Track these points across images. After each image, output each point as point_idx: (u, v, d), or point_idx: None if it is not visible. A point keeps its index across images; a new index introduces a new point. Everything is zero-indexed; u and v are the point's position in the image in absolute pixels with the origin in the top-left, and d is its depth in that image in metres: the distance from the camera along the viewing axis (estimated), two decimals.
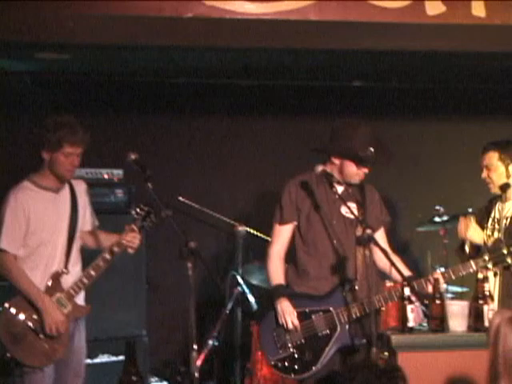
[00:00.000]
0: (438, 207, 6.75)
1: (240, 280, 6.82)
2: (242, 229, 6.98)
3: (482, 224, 6.12)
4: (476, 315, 5.13)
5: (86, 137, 5.29)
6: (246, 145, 7.56)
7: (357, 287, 5.31)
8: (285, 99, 7.30)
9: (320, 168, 5.45)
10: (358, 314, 5.18)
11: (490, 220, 6.11)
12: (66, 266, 5.34)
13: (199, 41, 5.81)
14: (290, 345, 5.26)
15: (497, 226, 6.06)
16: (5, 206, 5.27)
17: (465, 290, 6.69)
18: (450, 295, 6.17)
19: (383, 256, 5.10)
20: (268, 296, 5.59)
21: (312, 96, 6.38)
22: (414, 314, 5.21)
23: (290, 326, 5.25)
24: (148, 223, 5.33)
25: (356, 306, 5.18)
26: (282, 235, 5.51)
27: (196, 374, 4.92)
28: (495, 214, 6.09)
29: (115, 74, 7.45)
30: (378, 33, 5.58)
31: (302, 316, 5.29)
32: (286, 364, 5.27)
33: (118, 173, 7.02)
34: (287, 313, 5.27)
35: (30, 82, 7.37)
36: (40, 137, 5.27)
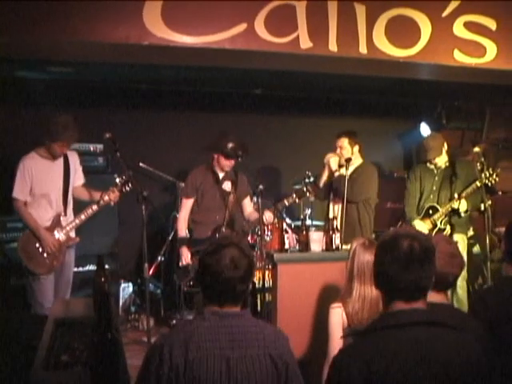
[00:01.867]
0: (307, 172, 6.91)
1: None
2: (181, 184, 7.09)
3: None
4: (328, 241, 5.44)
5: (75, 136, 5.48)
6: (180, 130, 7.75)
7: (223, 229, 5.85)
8: (209, 101, 7.39)
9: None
10: None
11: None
12: (64, 210, 5.59)
13: (153, 60, 5.85)
14: (190, 272, 5.81)
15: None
16: (17, 168, 5.46)
17: (321, 223, 6.94)
18: (313, 228, 6.32)
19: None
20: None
21: (226, 100, 6.53)
22: (288, 240, 5.50)
23: (185, 262, 5.86)
24: (126, 188, 5.59)
25: None
26: (186, 205, 6.08)
27: (146, 277, 5.26)
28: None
29: (100, 81, 7.42)
30: (269, 57, 5.64)
31: (195, 254, 5.77)
32: (191, 283, 5.84)
33: (99, 146, 7.06)
34: (184, 255, 5.88)
35: (43, 87, 7.32)
36: (46, 127, 5.43)
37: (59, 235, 5.56)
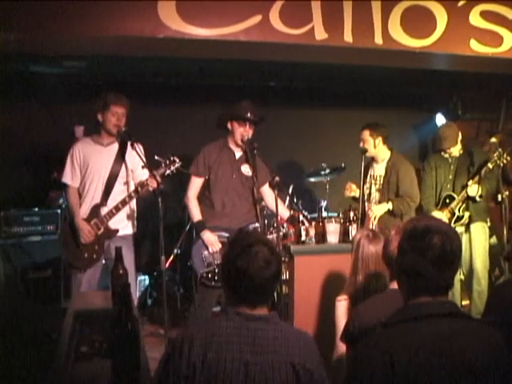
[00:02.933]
0: (323, 164, 6.90)
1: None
2: None
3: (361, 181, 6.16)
4: (344, 232, 5.44)
5: (126, 101, 5.35)
6: (195, 123, 7.71)
7: (258, 226, 5.46)
8: (223, 94, 7.37)
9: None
10: None
11: (368, 178, 6.28)
12: (104, 201, 5.35)
13: (168, 52, 5.83)
14: (213, 263, 5.38)
15: (373, 181, 6.27)
16: (68, 154, 5.38)
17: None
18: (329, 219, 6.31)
19: (273, 199, 5.42)
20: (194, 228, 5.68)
21: (241, 92, 6.51)
22: (305, 232, 5.49)
23: (214, 249, 5.39)
24: (171, 170, 5.33)
25: None
26: (196, 184, 5.57)
27: (163, 269, 5.22)
28: (372, 172, 6.28)
29: (114, 75, 7.49)
30: (283, 50, 5.65)
31: (222, 244, 5.37)
32: (210, 276, 5.36)
33: None
34: (211, 241, 5.41)
35: (58, 81, 7.34)
36: (95, 105, 5.35)
37: (96, 226, 5.35)
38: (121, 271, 3.32)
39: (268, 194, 5.72)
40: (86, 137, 5.62)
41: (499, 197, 6.36)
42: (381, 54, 5.81)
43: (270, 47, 5.55)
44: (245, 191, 5.59)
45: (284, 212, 5.70)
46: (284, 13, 5.36)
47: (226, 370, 2.54)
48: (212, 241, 5.42)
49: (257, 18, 5.32)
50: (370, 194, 6.28)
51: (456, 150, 6.45)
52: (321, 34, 5.46)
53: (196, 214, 5.57)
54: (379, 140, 6.17)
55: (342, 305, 4.01)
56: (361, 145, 6.20)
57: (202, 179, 5.59)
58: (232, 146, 5.60)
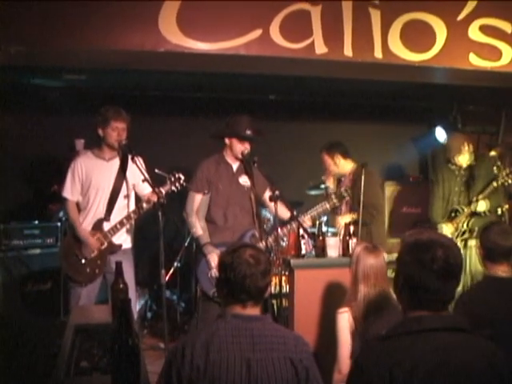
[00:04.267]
0: (323, 177, 6.87)
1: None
2: None
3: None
4: (345, 246, 5.43)
5: (126, 116, 5.31)
6: (194, 136, 7.61)
7: (256, 233, 5.47)
8: (223, 107, 7.37)
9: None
10: None
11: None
12: (108, 216, 5.33)
13: (168, 67, 5.87)
14: None
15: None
16: (69, 168, 5.35)
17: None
18: (329, 233, 6.32)
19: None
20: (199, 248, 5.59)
21: (241, 105, 6.53)
22: (305, 246, 5.46)
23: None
24: (177, 186, 5.27)
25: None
26: (195, 199, 5.51)
27: (163, 283, 5.19)
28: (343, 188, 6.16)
29: (114, 87, 7.50)
30: (284, 64, 5.69)
31: None
32: None
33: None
34: (216, 263, 5.17)
35: (59, 94, 7.40)
36: (97, 116, 5.31)
37: (100, 241, 5.31)
38: (121, 286, 3.32)
39: (270, 202, 5.59)
40: (87, 151, 5.61)
41: (499, 210, 6.36)
42: (380, 68, 5.84)
43: (270, 61, 5.59)
44: (245, 203, 5.56)
45: (285, 214, 5.60)
46: (284, 27, 5.39)
47: (229, 369, 2.64)
48: (216, 262, 5.27)
49: (257, 32, 5.35)
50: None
51: (463, 160, 6.46)
52: (321, 48, 5.49)
53: (196, 228, 5.51)
54: (338, 157, 6.16)
55: (343, 317, 4.02)
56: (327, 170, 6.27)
57: (201, 195, 5.54)
58: (229, 159, 5.58)
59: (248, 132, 5.43)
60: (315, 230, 5.56)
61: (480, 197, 6.22)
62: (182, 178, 5.28)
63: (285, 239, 5.96)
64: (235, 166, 5.60)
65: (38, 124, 7.45)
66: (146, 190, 5.33)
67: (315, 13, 5.47)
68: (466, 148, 6.45)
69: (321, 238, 5.44)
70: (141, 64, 5.81)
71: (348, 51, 5.54)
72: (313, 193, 7.30)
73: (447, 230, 6.36)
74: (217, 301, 5.26)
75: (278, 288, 5.61)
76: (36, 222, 7.02)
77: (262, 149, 5.71)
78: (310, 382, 2.73)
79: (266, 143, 6.09)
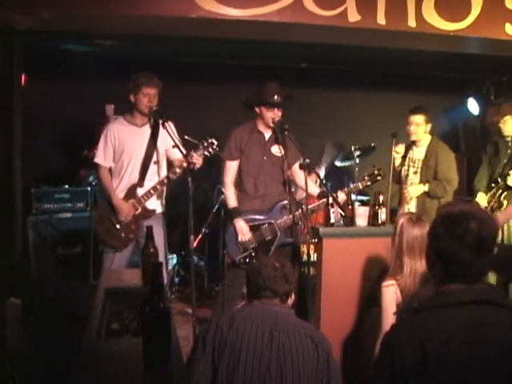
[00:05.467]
0: (352, 147, 6.88)
1: (223, 191, 7.04)
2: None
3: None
4: (373, 216, 5.40)
5: (158, 82, 5.32)
6: (226, 103, 7.53)
7: (287, 205, 5.46)
8: (255, 75, 7.32)
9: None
10: (291, 223, 5.39)
11: (407, 160, 6.34)
12: (141, 181, 5.38)
13: (199, 33, 5.81)
14: (248, 247, 5.42)
15: (411, 164, 6.32)
16: (101, 134, 5.39)
17: (367, 198, 6.91)
18: (357, 202, 6.30)
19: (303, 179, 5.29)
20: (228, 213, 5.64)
21: (272, 73, 6.47)
22: (334, 214, 5.44)
23: (246, 239, 5.41)
24: (210, 151, 5.27)
25: (289, 219, 5.38)
26: (231, 168, 5.53)
27: (192, 249, 5.21)
28: (411, 155, 6.34)
29: (146, 54, 7.45)
30: (316, 31, 5.62)
31: (253, 229, 5.43)
32: (247, 260, 5.40)
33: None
34: (243, 231, 5.40)
35: (89, 59, 7.41)
36: (127, 86, 5.33)
37: (134, 207, 5.37)
38: (151, 250, 3.34)
39: (299, 174, 5.61)
40: (118, 117, 5.62)
41: None
42: (414, 37, 5.74)
43: (302, 28, 5.51)
44: (276, 172, 5.52)
45: (314, 190, 5.64)
46: None
47: (251, 333, 2.80)
48: (243, 230, 5.43)
49: None
50: (407, 175, 6.36)
51: (508, 131, 6.39)
52: (354, 16, 5.42)
53: (232, 200, 5.54)
54: (429, 125, 6.28)
55: (390, 290, 3.96)
56: (412, 129, 6.24)
57: (237, 162, 5.53)
58: (261, 127, 5.53)
59: (276, 98, 5.38)
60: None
61: (510, 171, 6.16)
62: (215, 142, 5.28)
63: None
64: (267, 135, 5.55)
65: (69, 89, 7.46)
66: (177, 155, 5.27)
67: None
68: (510, 117, 6.37)
69: (350, 206, 5.41)
70: (172, 30, 5.80)
71: (381, 19, 5.45)
72: (342, 164, 7.26)
73: (481, 199, 6.38)
74: (243, 267, 5.34)
75: (306, 256, 5.63)
76: (66, 186, 7.09)
77: (292, 117, 5.68)
78: (330, 367, 2.89)
79: (297, 111, 6.06)
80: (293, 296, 3.17)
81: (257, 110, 5.48)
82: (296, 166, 5.63)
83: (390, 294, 3.96)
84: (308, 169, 5.30)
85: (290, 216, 5.40)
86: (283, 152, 5.44)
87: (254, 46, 6.91)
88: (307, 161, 5.29)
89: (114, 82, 5.67)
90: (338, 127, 8.14)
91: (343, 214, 5.37)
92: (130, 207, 5.34)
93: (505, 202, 6.24)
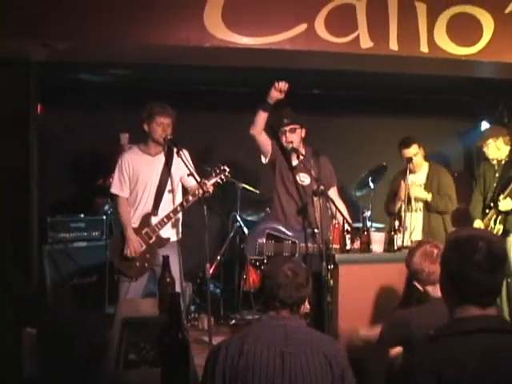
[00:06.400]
0: (363, 173, 6.85)
1: (238, 218, 7.07)
2: (239, 184, 7.17)
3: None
4: (389, 242, 5.38)
5: (172, 111, 5.35)
6: (239, 131, 7.59)
7: (317, 231, 5.40)
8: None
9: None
10: (312, 251, 5.43)
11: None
12: (155, 210, 5.39)
13: (214, 61, 5.90)
14: (265, 254, 5.48)
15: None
16: (117, 163, 5.42)
17: (382, 226, 6.90)
18: (373, 228, 6.30)
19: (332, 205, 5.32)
20: None
21: (285, 99, 6.49)
22: (350, 241, 5.45)
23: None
24: (222, 178, 5.34)
25: (312, 246, 5.42)
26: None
27: (208, 276, 5.23)
28: (409, 182, 6.21)
29: (160, 83, 7.50)
30: (329, 58, 5.67)
31: (277, 239, 5.49)
32: (258, 264, 5.50)
33: None
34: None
35: (104, 88, 7.46)
36: (141, 116, 5.38)
37: (148, 236, 5.40)
38: (168, 279, 3.35)
39: (336, 198, 5.74)
40: (133, 146, 5.64)
41: None
42: (427, 63, 5.77)
43: (315, 56, 5.57)
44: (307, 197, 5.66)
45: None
46: (329, 21, 5.36)
47: (263, 359, 2.67)
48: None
49: (302, 27, 5.34)
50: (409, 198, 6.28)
51: (500, 155, 6.37)
52: (366, 43, 5.46)
53: None
54: (424, 152, 6.34)
55: None
56: (414, 161, 6.24)
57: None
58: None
59: (285, 121, 5.59)
60: (359, 225, 5.53)
61: (501, 196, 6.15)
62: (227, 169, 5.33)
63: (329, 234, 5.94)
64: (295, 162, 5.71)
65: (83, 118, 7.51)
66: (191, 182, 5.35)
67: (360, 7, 5.44)
68: (492, 141, 6.36)
69: (365, 232, 5.40)
70: (186, 59, 5.85)
71: (393, 45, 5.48)
72: (359, 194, 7.25)
73: (478, 225, 6.35)
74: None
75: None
76: (82, 215, 7.11)
77: (307, 143, 5.70)
78: (345, 382, 2.76)
79: (312, 138, 6.06)
80: (306, 304, 3.05)
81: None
82: (331, 191, 5.75)
83: None
84: (322, 195, 5.32)
85: (315, 245, 5.42)
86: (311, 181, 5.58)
87: (267, 74, 6.93)
88: (322, 187, 5.31)
89: (129, 111, 5.71)
90: (351, 153, 8.13)
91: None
92: (138, 244, 5.36)
93: (501, 228, 6.22)
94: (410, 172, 6.23)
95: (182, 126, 5.57)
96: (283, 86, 5.45)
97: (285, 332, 2.76)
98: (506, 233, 6.30)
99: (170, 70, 6.82)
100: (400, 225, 5.53)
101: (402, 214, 5.95)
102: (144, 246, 5.38)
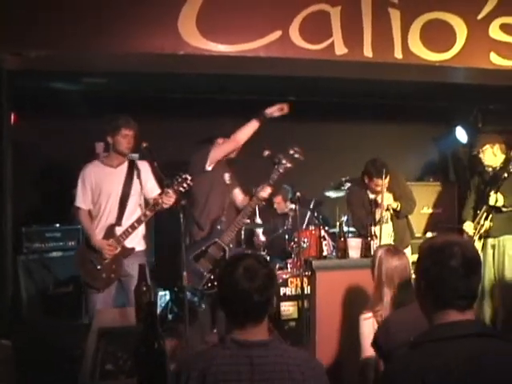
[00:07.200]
0: (343, 178, 6.91)
1: None
2: None
3: None
4: (366, 247, 5.42)
5: (135, 124, 5.39)
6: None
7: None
8: (245, 109, 7.32)
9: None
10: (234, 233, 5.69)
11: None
12: (119, 221, 5.39)
13: (188, 69, 5.89)
14: (204, 273, 5.64)
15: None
16: (79, 177, 5.44)
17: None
18: (350, 234, 6.32)
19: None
20: None
21: (261, 107, 6.47)
22: (326, 247, 5.48)
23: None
24: (181, 188, 5.26)
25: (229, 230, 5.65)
26: None
27: (185, 285, 5.21)
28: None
29: (135, 91, 7.50)
30: (303, 65, 5.66)
31: (201, 254, 5.71)
32: (210, 285, 5.68)
33: (135, 155, 7.18)
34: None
35: (79, 97, 7.39)
36: (105, 128, 5.42)
37: (113, 246, 5.38)
38: (144, 288, 3.33)
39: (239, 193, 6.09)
40: (94, 160, 5.67)
41: None
42: (401, 69, 5.82)
43: (289, 62, 5.58)
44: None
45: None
46: (304, 28, 5.38)
47: None
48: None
49: (277, 34, 5.35)
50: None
51: (496, 162, 6.42)
52: (341, 49, 5.48)
53: None
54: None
55: (367, 323, 3.99)
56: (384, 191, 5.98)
57: None
58: None
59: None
60: (336, 231, 5.56)
61: (492, 191, 6.19)
62: (189, 178, 5.31)
63: (306, 241, 5.95)
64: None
65: (58, 127, 7.46)
66: (154, 192, 5.45)
67: (335, 13, 5.46)
68: (489, 147, 6.41)
69: (342, 239, 5.43)
70: (161, 67, 5.85)
71: (368, 52, 5.52)
72: (333, 195, 7.26)
73: (468, 226, 6.45)
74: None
75: (299, 289, 5.62)
76: (57, 224, 7.05)
77: (282, 149, 5.71)
78: None
79: (285, 144, 6.07)
80: (273, 303, 2.62)
81: None
82: (236, 189, 6.09)
83: (368, 326, 3.98)
84: (300, 202, 5.35)
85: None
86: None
87: (241, 81, 6.95)
88: (298, 194, 5.35)
89: (104, 120, 5.68)
90: (326, 159, 8.15)
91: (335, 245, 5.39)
92: (112, 244, 5.36)
93: (490, 225, 6.28)
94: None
95: (158, 133, 5.56)
96: (286, 110, 5.72)
97: (252, 365, 2.42)
98: (494, 232, 6.36)
99: (144, 77, 6.79)
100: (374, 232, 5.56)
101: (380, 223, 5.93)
102: (110, 257, 5.37)
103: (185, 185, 5.28)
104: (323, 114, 8.22)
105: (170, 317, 7.25)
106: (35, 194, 7.46)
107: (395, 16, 5.60)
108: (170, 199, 5.24)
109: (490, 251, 6.30)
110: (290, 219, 6.78)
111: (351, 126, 8.45)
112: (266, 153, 5.68)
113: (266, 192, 5.63)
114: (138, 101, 7.36)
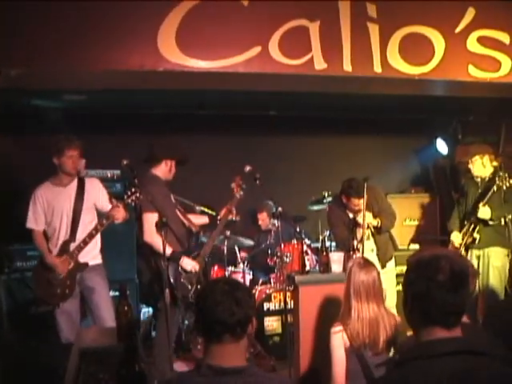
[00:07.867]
0: (324, 192, 6.91)
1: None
2: (197, 207, 7.07)
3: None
4: (348, 261, 5.39)
5: (79, 143, 5.47)
6: (195, 153, 7.56)
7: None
8: (223, 124, 7.37)
9: None
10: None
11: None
12: (72, 237, 5.47)
13: (168, 85, 5.88)
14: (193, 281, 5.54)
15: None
16: (31, 199, 5.51)
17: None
18: (333, 249, 6.31)
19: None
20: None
21: (241, 122, 6.50)
22: (309, 262, 5.48)
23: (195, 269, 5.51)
24: (133, 200, 5.32)
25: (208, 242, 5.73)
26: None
27: (167, 301, 5.20)
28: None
29: (114, 107, 7.47)
30: (283, 80, 5.67)
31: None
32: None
33: (117, 172, 7.18)
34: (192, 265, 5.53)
35: (59, 115, 7.37)
36: (52, 147, 5.48)
37: (67, 262, 5.45)
38: (125, 308, 3.29)
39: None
40: (44, 182, 5.67)
41: (503, 220, 6.35)
42: (380, 82, 5.85)
43: (269, 78, 5.58)
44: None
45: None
46: (283, 44, 5.40)
47: None
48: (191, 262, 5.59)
49: (256, 50, 5.36)
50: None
51: (485, 173, 6.45)
52: (320, 64, 5.49)
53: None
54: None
55: (337, 337, 3.99)
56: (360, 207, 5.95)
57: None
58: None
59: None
60: (319, 245, 5.56)
61: (481, 204, 6.22)
62: (138, 191, 5.32)
63: (288, 255, 5.95)
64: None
65: (39, 144, 7.41)
66: (106, 207, 5.56)
67: (314, 29, 5.47)
68: (479, 157, 6.46)
69: (324, 253, 5.43)
70: (140, 83, 5.82)
71: (347, 66, 5.54)
72: (315, 208, 7.27)
73: (455, 237, 6.48)
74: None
75: (282, 304, 5.61)
76: None
77: (263, 164, 5.71)
78: None
79: (268, 159, 6.09)
80: (254, 322, 2.57)
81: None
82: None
83: (338, 339, 3.98)
84: (281, 217, 5.35)
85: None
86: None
87: (221, 96, 6.95)
88: (280, 209, 5.35)
89: (85, 137, 5.67)
90: (309, 173, 8.18)
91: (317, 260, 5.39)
92: (64, 262, 5.43)
93: (478, 236, 6.31)
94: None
95: (138, 150, 5.55)
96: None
97: None
98: (480, 243, 6.41)
99: (124, 94, 6.79)
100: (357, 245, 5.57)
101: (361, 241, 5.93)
102: (64, 273, 5.44)
103: (134, 198, 5.35)
104: (304, 128, 8.24)
105: (153, 333, 7.20)
106: (16, 212, 7.38)
107: (374, 30, 5.62)
108: (119, 213, 5.39)
109: (475, 262, 6.31)
110: (273, 233, 6.80)
111: (332, 139, 8.48)
112: (248, 168, 5.67)
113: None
114: (119, 117, 7.35)
